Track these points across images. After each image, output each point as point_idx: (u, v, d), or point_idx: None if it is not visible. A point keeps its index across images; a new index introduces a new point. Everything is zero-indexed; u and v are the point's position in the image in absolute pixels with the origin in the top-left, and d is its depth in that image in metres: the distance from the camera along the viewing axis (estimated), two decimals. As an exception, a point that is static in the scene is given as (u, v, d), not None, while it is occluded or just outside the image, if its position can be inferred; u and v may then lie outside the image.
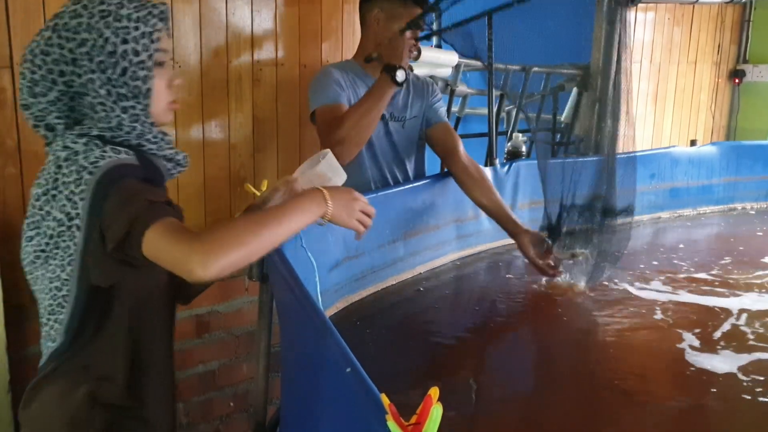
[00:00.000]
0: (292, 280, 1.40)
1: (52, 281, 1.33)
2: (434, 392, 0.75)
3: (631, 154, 2.45)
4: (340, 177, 1.71)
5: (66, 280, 1.32)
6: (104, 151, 1.28)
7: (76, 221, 1.27)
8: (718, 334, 2.02)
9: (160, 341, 1.50)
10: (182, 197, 2.54)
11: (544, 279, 2.37)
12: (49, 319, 1.36)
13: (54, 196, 1.29)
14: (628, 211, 2.41)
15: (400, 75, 2.13)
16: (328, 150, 1.73)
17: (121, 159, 1.30)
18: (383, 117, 2.32)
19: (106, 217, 1.25)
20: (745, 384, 1.72)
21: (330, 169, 1.69)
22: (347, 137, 2.13)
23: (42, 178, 1.33)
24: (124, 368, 1.41)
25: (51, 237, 1.30)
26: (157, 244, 1.20)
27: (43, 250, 1.32)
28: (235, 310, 2.67)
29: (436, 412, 0.73)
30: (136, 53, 1.31)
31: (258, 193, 1.77)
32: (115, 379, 1.39)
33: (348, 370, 0.94)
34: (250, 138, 2.68)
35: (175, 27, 2.43)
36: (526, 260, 2.38)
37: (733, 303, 2.26)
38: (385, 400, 0.77)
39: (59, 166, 1.29)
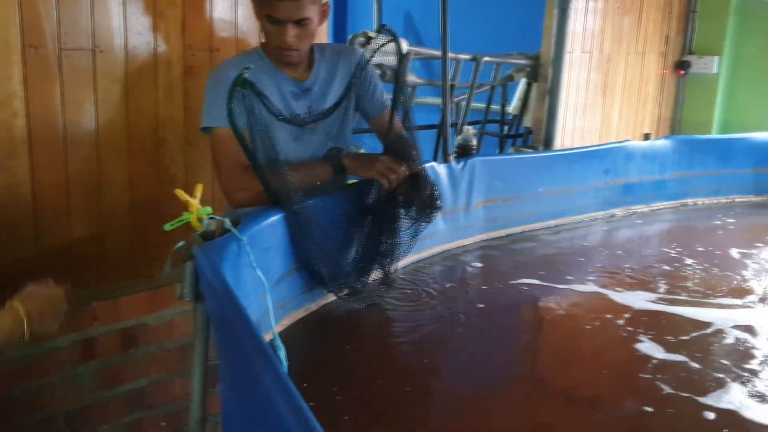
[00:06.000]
0: (228, 301, 1.21)
1: None
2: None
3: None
4: None
5: None
6: None
7: None
8: (669, 336, 1.96)
9: None
10: (105, 196, 2.28)
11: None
12: None
13: None
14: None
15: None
16: None
17: None
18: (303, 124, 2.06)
19: None
20: (686, 393, 1.65)
21: None
22: (252, 204, 1.91)
23: None
24: None
25: None
26: None
27: None
28: (165, 321, 2.43)
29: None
30: None
31: (191, 201, 1.55)
32: None
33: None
34: (182, 131, 2.43)
35: (95, 7, 2.16)
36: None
37: (687, 307, 2.18)
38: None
39: None
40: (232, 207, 2.06)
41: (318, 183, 1.97)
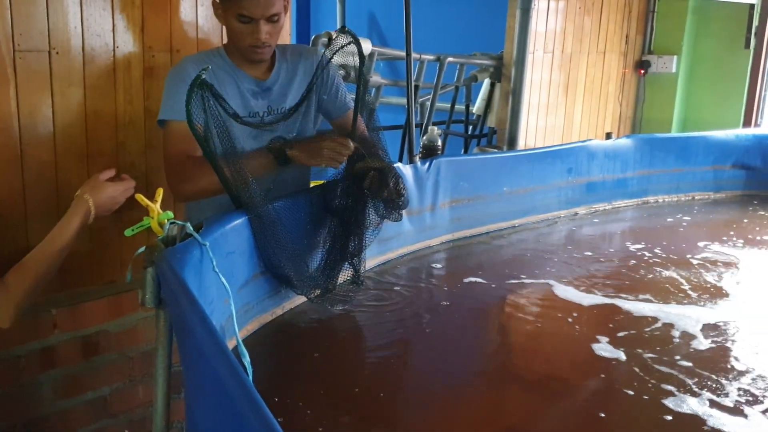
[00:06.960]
0: (191, 308, 1.19)
1: None
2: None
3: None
4: None
5: None
6: None
7: None
8: (625, 332, 2.00)
9: None
10: (63, 202, 2.22)
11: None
12: None
13: None
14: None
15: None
16: None
17: None
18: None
19: None
20: (649, 384, 1.71)
21: None
22: (196, 197, 1.96)
23: None
24: None
25: None
26: None
27: None
28: (127, 328, 2.38)
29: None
30: None
31: (152, 205, 1.52)
32: None
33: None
34: (142, 133, 2.38)
35: (51, 7, 2.10)
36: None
37: (644, 304, 2.22)
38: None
39: None
40: (177, 200, 2.05)
41: (263, 173, 1.93)
